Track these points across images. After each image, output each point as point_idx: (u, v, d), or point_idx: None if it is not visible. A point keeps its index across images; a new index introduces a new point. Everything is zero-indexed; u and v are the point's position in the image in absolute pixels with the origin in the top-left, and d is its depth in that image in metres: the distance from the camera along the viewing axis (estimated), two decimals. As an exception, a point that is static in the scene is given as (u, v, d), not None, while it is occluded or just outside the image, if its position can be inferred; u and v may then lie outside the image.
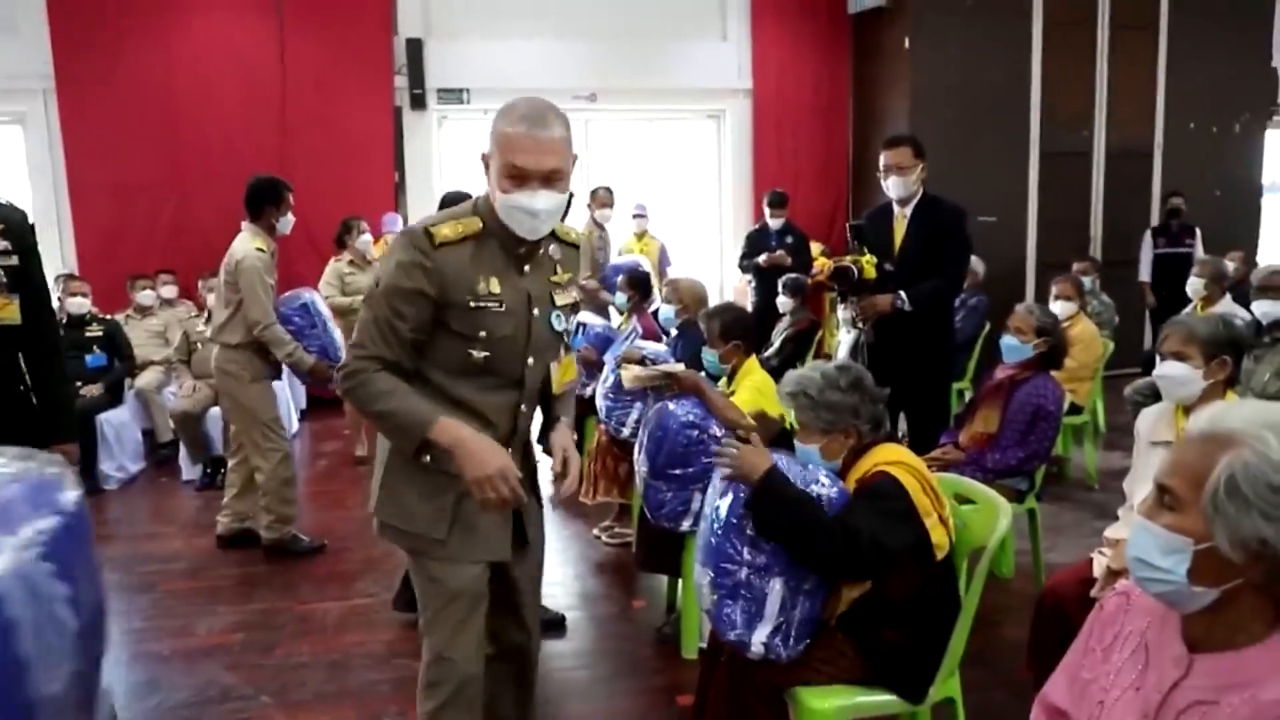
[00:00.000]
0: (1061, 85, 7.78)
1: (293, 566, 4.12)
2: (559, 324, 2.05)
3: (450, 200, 3.26)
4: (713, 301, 4.20)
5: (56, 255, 6.90)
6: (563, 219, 2.06)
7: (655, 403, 3.29)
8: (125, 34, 6.78)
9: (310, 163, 6.92)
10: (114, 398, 5.64)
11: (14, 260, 2.52)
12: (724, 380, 3.44)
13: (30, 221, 2.63)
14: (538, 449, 2.28)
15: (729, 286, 8.16)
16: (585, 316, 5.30)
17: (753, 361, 3.42)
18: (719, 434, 2.99)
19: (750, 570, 2.08)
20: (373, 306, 1.90)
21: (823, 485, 2.16)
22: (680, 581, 3.34)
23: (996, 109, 7.63)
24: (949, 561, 2.21)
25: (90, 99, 6.78)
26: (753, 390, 3.25)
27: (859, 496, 2.17)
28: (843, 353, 4.06)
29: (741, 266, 7.08)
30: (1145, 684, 1.27)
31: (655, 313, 4.88)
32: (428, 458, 1.91)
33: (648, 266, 6.13)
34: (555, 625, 3.42)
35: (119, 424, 5.56)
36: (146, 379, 5.92)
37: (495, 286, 1.91)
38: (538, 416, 2.16)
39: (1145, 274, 7.67)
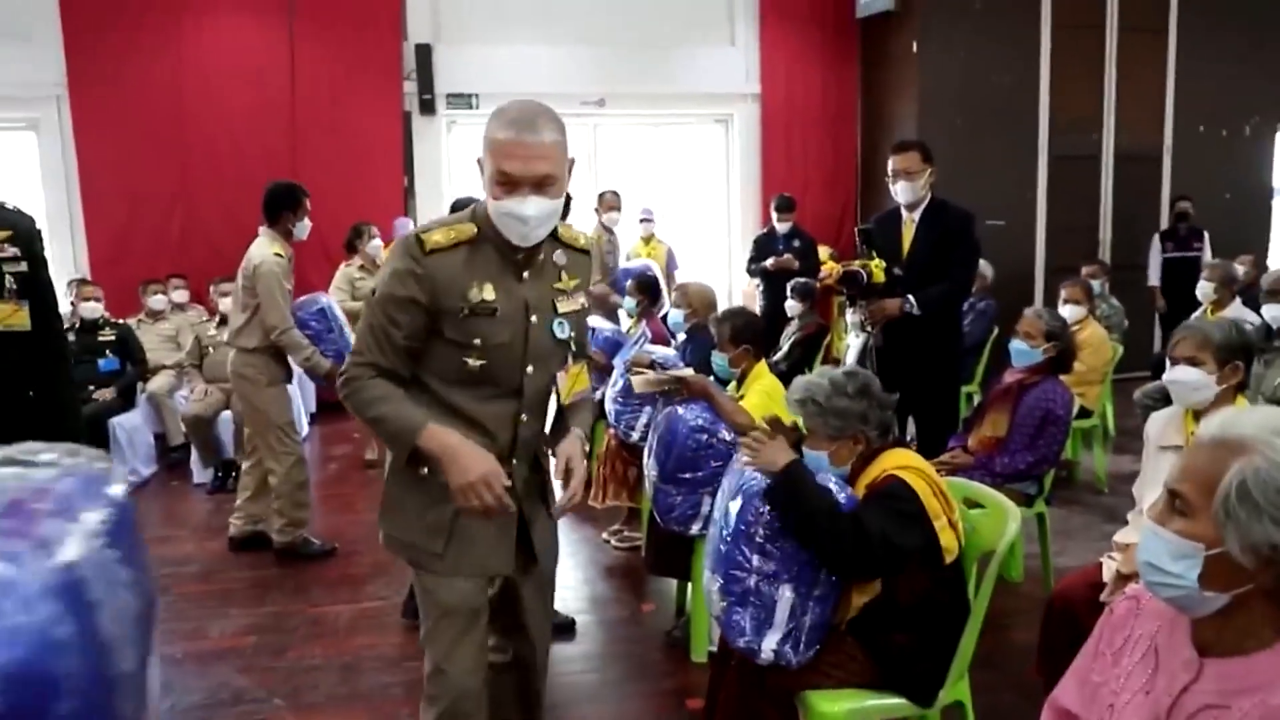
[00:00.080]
0: (1070, 89, 7.77)
1: (304, 569, 4.14)
2: (561, 332, 1.98)
3: (460, 206, 3.29)
4: (721, 306, 4.20)
5: (69, 260, 6.96)
6: (563, 221, 2.04)
7: (664, 407, 3.31)
8: (137, 41, 6.83)
9: (320, 168, 6.96)
10: (126, 401, 5.67)
11: (23, 267, 2.53)
12: (733, 384, 3.45)
13: (38, 228, 2.66)
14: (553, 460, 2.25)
15: (737, 291, 8.17)
16: (594, 321, 5.31)
17: (762, 366, 3.43)
18: (728, 438, 3.00)
19: (759, 578, 2.09)
20: (370, 314, 1.91)
21: (831, 492, 2.17)
22: (690, 585, 3.35)
23: (1005, 113, 7.62)
24: (958, 565, 2.22)
25: (103, 105, 6.83)
26: (762, 394, 3.26)
27: (870, 499, 2.18)
28: (851, 357, 4.06)
29: (749, 271, 7.08)
30: (1155, 688, 1.28)
31: (664, 317, 4.89)
32: (425, 469, 1.90)
33: (658, 270, 6.14)
34: (565, 629, 3.43)
35: (131, 428, 5.59)
36: (158, 383, 5.95)
37: (490, 293, 1.87)
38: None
39: (1154, 278, 7.65)
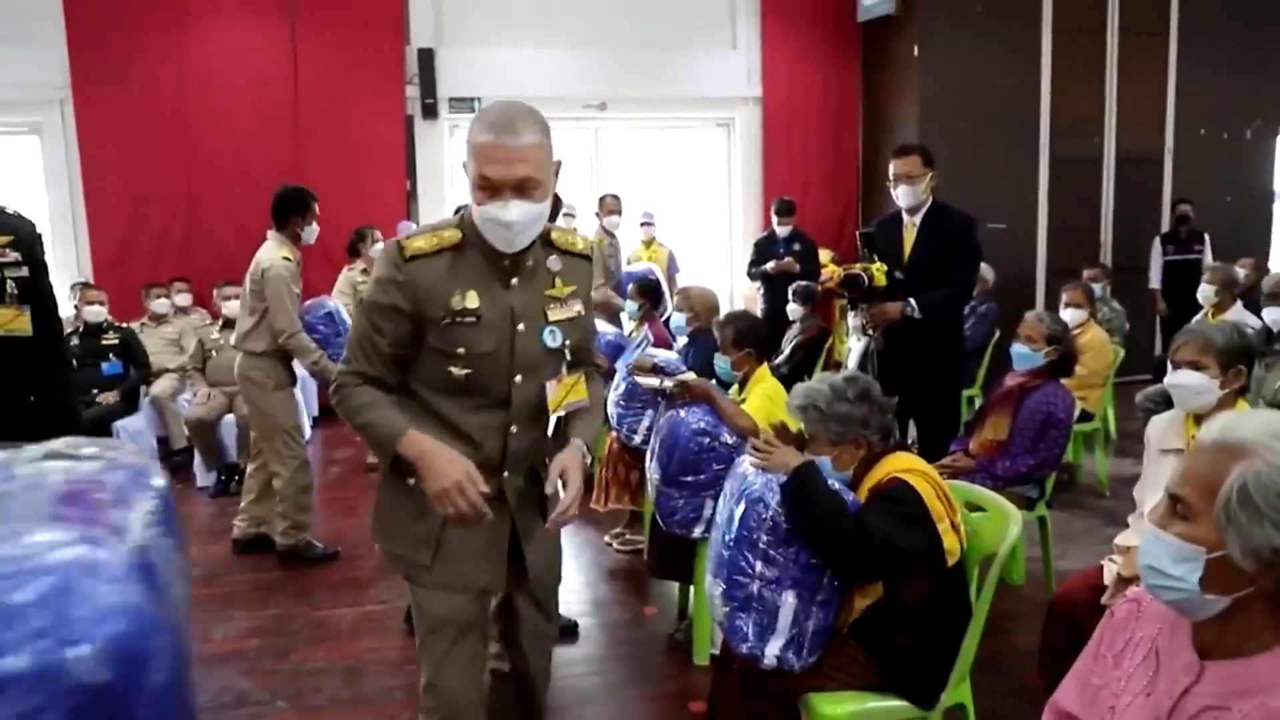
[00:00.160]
0: (1071, 92, 7.78)
1: (307, 572, 4.15)
2: (553, 340, 1.92)
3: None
4: (723, 310, 4.21)
5: (72, 263, 6.97)
6: (554, 224, 2.00)
7: (666, 410, 3.31)
8: (140, 45, 6.86)
9: (323, 171, 6.97)
10: (129, 405, 5.68)
11: (24, 272, 2.55)
12: (735, 388, 3.46)
13: (39, 232, 2.67)
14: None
15: (739, 294, 8.17)
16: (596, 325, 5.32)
17: (764, 369, 3.44)
18: (730, 441, 3.01)
19: (762, 583, 2.10)
20: (357, 321, 1.90)
21: (841, 495, 2.18)
22: (692, 588, 3.36)
23: (1006, 116, 7.64)
24: (960, 568, 2.23)
25: (106, 109, 6.85)
26: (763, 398, 3.27)
27: (873, 502, 2.19)
28: (853, 360, 4.07)
29: (750, 274, 7.10)
30: (1156, 690, 1.28)
31: (666, 321, 4.90)
32: (412, 480, 1.87)
33: (660, 274, 6.15)
34: (568, 632, 3.44)
35: (134, 431, 5.60)
36: (161, 386, 5.96)
37: (473, 300, 1.82)
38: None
39: (1155, 281, 7.66)
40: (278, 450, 4.18)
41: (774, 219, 6.96)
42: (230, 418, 5.49)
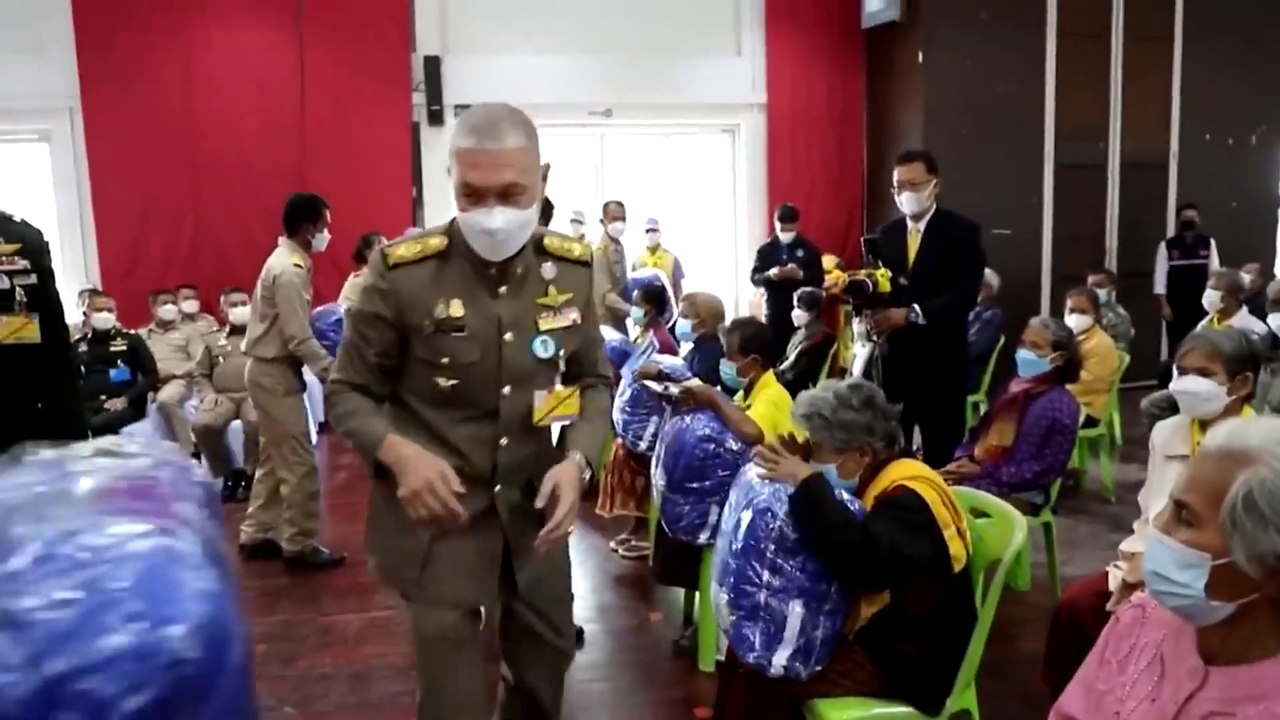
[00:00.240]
0: (1076, 97, 7.78)
1: (313, 578, 4.17)
2: (544, 350, 1.86)
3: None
4: (729, 316, 4.22)
5: (80, 270, 7.02)
6: (548, 229, 1.95)
7: (672, 416, 3.32)
8: (149, 54, 6.90)
9: (329, 178, 6.99)
10: (137, 411, 5.70)
11: (32, 279, 2.56)
12: (740, 394, 3.47)
13: (46, 240, 2.69)
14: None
15: (744, 300, 8.19)
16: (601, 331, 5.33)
17: (769, 375, 3.45)
18: (735, 448, 3.02)
19: (769, 593, 2.10)
20: (346, 330, 1.88)
21: (849, 506, 2.19)
22: (697, 594, 3.36)
23: (1010, 121, 7.64)
24: (966, 574, 2.23)
25: (114, 117, 6.90)
26: (768, 404, 3.27)
27: (879, 510, 2.19)
28: (858, 366, 4.08)
29: (753, 280, 7.12)
30: (1161, 695, 1.29)
31: (672, 327, 4.91)
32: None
33: (665, 280, 6.17)
34: (574, 638, 3.44)
35: (142, 437, 5.62)
36: (168, 393, 5.98)
37: (457, 309, 1.78)
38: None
39: (1160, 286, 7.66)
40: (285, 456, 4.20)
41: (777, 225, 6.97)
42: (237, 424, 5.51)
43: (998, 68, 7.55)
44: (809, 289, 6.32)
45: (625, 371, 4.20)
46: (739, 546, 2.14)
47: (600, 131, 8.00)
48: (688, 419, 3.12)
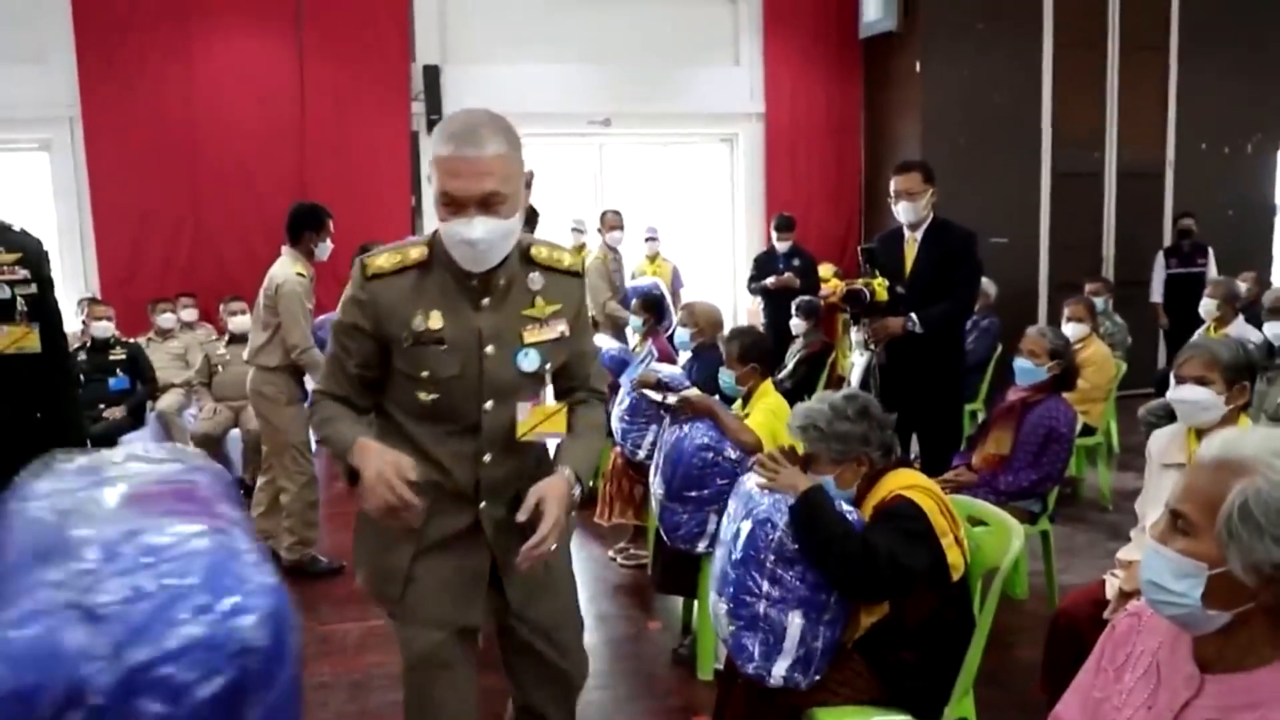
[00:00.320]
0: (1072, 106, 7.81)
1: (311, 587, 4.16)
2: (528, 364, 1.79)
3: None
4: (728, 325, 4.23)
5: (80, 279, 7.01)
6: (534, 236, 1.90)
7: (670, 425, 3.33)
8: (149, 63, 6.92)
9: (329, 188, 7.00)
10: (136, 420, 5.69)
11: (33, 289, 2.57)
12: (739, 402, 3.48)
13: (45, 250, 2.69)
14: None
15: (742, 309, 8.20)
16: (599, 340, 5.35)
17: (767, 384, 3.46)
18: (734, 456, 3.03)
19: (768, 603, 2.10)
20: (329, 341, 1.85)
21: (848, 518, 2.19)
22: (696, 603, 3.36)
23: (1007, 131, 7.67)
24: (963, 583, 2.23)
25: (114, 126, 6.90)
26: (767, 413, 3.29)
27: (877, 520, 2.20)
28: (856, 375, 4.09)
29: (750, 289, 7.14)
30: (1157, 703, 1.30)
31: (671, 336, 4.92)
32: None
33: (664, 289, 6.19)
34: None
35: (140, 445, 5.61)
36: (167, 401, 5.98)
37: (436, 322, 1.73)
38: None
39: (1158, 294, 7.67)
40: (286, 466, 4.20)
41: (773, 235, 6.99)
42: (236, 432, 5.52)
43: (995, 77, 7.58)
44: (807, 298, 6.33)
45: (624, 380, 4.21)
46: (738, 556, 2.15)
47: (599, 141, 8.03)
48: (686, 428, 3.12)
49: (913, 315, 3.82)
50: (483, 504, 1.85)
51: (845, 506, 2.23)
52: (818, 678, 2.14)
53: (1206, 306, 5.29)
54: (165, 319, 6.34)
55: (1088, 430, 4.91)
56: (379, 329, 1.75)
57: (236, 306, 5.67)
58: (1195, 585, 1.21)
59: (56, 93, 6.86)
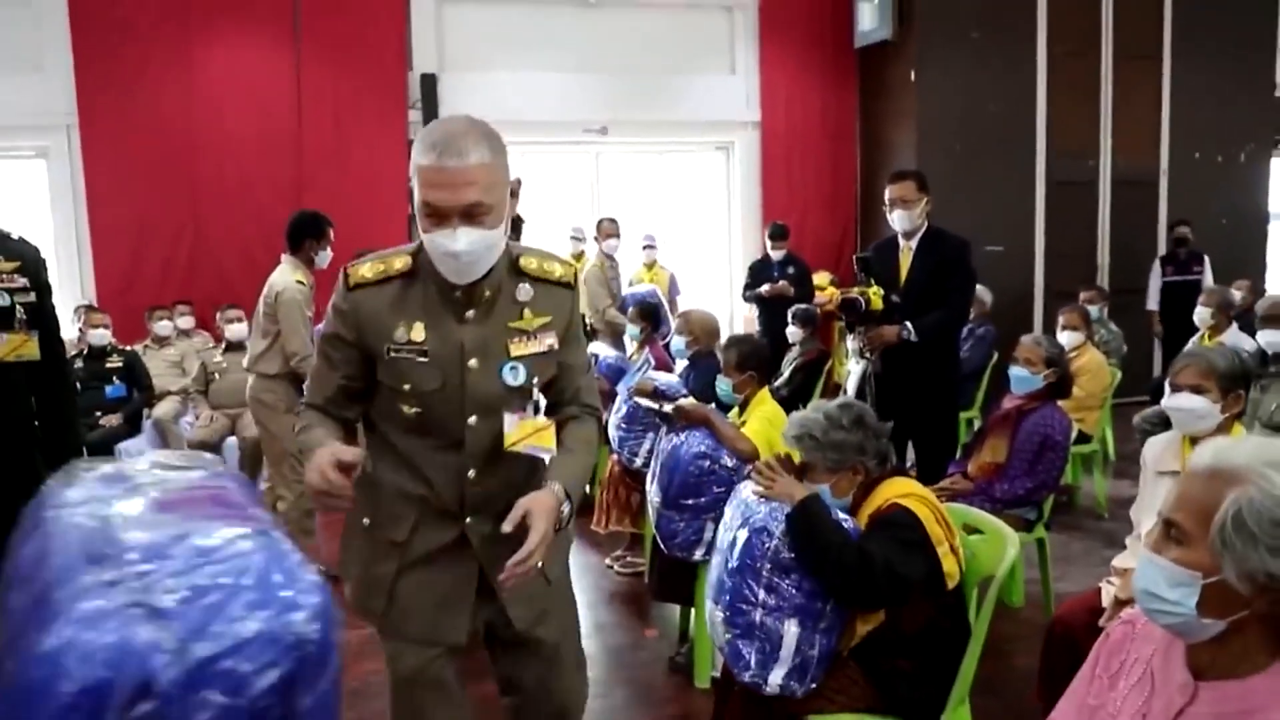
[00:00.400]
0: (1067, 115, 7.85)
1: (309, 595, 4.15)
2: (514, 377, 1.74)
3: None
4: (724, 333, 4.24)
5: (77, 286, 7.01)
6: (516, 242, 1.84)
7: (667, 433, 3.34)
8: (147, 71, 6.91)
9: (326, 196, 6.99)
10: (133, 427, 5.69)
11: (31, 297, 2.57)
12: (735, 410, 3.48)
13: (43, 257, 2.70)
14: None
15: (739, 317, 8.22)
16: (597, 348, 5.36)
17: (764, 392, 3.47)
18: (730, 464, 3.03)
19: (765, 612, 2.11)
20: (316, 352, 1.83)
21: (845, 526, 2.20)
22: (693, 610, 3.36)
23: (1002, 139, 7.70)
24: (959, 591, 2.24)
25: (111, 134, 6.90)
26: (763, 420, 3.29)
27: (873, 529, 2.21)
28: (852, 383, 4.11)
29: (745, 297, 7.15)
30: (1151, 710, 1.30)
31: (668, 344, 4.93)
32: (366, 519, 1.80)
33: (661, 296, 6.20)
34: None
35: (137, 453, 5.58)
36: (164, 409, 5.98)
37: (418, 333, 1.69)
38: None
39: (1153, 302, 7.70)
40: (284, 474, 4.20)
41: (768, 243, 7.01)
42: (232, 440, 5.51)
43: (989, 86, 7.62)
44: (804, 306, 6.35)
45: (621, 388, 4.21)
46: (735, 565, 2.15)
47: (595, 149, 8.04)
48: (683, 436, 3.13)
49: (908, 324, 3.83)
50: (468, 519, 1.80)
51: (841, 515, 2.24)
52: (814, 686, 2.14)
53: (1201, 315, 5.31)
54: (162, 326, 6.33)
55: (1083, 438, 4.92)
56: (361, 339, 1.72)
57: (233, 314, 5.67)
58: (1190, 594, 1.22)
59: (54, 100, 6.85)
